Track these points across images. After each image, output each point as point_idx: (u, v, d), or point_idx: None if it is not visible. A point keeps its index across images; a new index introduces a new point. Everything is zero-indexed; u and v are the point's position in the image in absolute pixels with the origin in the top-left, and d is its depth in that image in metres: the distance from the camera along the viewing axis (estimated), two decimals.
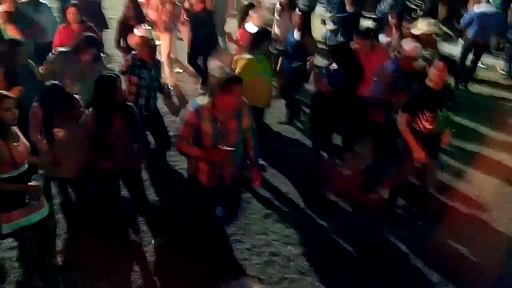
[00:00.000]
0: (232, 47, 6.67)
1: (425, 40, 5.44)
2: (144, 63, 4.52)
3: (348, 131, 5.49)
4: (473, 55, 7.72)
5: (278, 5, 6.85)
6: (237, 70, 4.70)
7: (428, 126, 4.08)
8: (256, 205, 4.60)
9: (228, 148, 3.35)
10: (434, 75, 4.00)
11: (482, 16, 7.35)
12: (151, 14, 6.65)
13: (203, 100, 3.39)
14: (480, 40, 7.49)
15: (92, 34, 4.67)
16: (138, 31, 4.67)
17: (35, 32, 5.73)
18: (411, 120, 4.13)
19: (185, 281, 3.73)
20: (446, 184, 5.09)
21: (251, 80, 4.48)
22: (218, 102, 3.33)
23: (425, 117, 4.06)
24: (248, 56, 4.78)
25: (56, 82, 3.84)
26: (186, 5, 6.69)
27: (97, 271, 3.75)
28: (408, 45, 4.64)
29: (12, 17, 5.71)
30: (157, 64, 4.74)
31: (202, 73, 6.96)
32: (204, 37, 6.62)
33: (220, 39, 7.32)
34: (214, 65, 6.64)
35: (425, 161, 4.12)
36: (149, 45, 4.56)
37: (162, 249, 4.03)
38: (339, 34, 7.35)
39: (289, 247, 4.14)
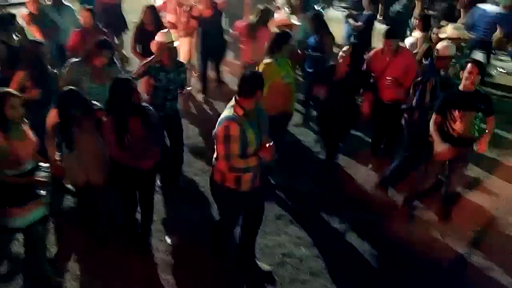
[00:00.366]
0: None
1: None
2: (162, 65, 4.54)
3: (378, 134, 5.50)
4: (483, 56, 7.72)
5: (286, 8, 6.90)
6: None
7: (457, 127, 4.13)
8: (269, 206, 4.58)
9: (271, 144, 3.37)
10: (465, 77, 4.07)
11: (483, 14, 7.45)
12: (169, 17, 6.66)
13: (230, 110, 3.32)
14: (483, 38, 7.49)
15: (104, 37, 4.63)
16: (157, 36, 4.68)
17: (56, 33, 5.89)
18: (441, 121, 4.19)
19: (197, 281, 3.78)
20: (463, 189, 5.04)
21: (273, 85, 4.45)
22: (245, 103, 3.31)
23: (454, 118, 4.12)
24: (267, 60, 4.68)
25: (73, 87, 3.77)
26: (196, 12, 6.60)
27: (106, 269, 3.83)
28: (441, 45, 4.80)
29: (36, 18, 5.87)
30: (178, 67, 4.69)
31: (205, 81, 7.00)
32: (214, 43, 6.61)
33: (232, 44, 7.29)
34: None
35: (446, 159, 4.17)
36: (168, 48, 4.54)
37: (174, 249, 4.10)
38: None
39: (301, 249, 4.17)
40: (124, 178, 3.76)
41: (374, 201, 4.78)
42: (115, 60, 4.82)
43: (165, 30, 4.81)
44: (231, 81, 7.09)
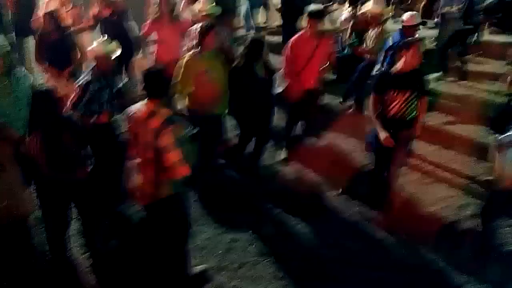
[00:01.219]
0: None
1: (371, 18, 5.75)
2: (97, 76, 4.22)
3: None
4: None
5: None
6: (175, 74, 4.31)
7: (394, 109, 4.01)
8: (210, 195, 4.64)
9: None
10: (407, 59, 3.96)
11: None
12: (69, 21, 6.09)
13: (160, 113, 3.17)
14: None
15: None
16: (92, 46, 4.34)
17: None
18: (379, 102, 4.08)
19: (147, 278, 3.73)
20: None
21: (197, 81, 4.25)
22: (161, 101, 3.24)
23: (393, 100, 3.99)
24: (189, 53, 4.38)
25: None
26: (94, 11, 6.20)
27: None
28: (406, 15, 5.11)
29: None
30: (116, 75, 4.45)
31: None
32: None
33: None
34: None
35: (390, 145, 4.03)
36: (101, 58, 4.19)
37: (120, 251, 4.02)
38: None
39: (248, 232, 4.23)
40: (56, 194, 3.52)
41: (305, 181, 4.94)
42: (19, 70, 4.23)
43: (103, 39, 4.39)
44: None
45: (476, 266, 3.87)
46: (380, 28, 5.72)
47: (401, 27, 5.28)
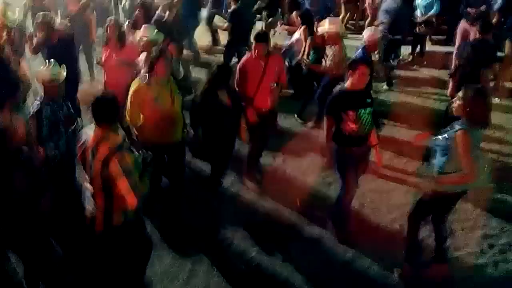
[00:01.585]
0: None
1: (329, 38, 5.81)
2: (47, 102, 4.10)
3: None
4: None
5: None
6: (124, 101, 4.18)
7: (353, 127, 4.03)
8: (168, 221, 4.55)
9: None
10: (357, 79, 4.01)
11: None
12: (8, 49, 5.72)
13: (111, 140, 3.13)
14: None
15: None
16: (38, 71, 4.23)
17: None
18: (335, 124, 4.09)
19: None
20: None
21: (147, 109, 4.12)
22: (114, 127, 3.24)
23: (349, 118, 4.00)
24: (135, 80, 4.25)
25: None
26: (38, 35, 5.92)
27: None
28: (367, 32, 5.27)
29: None
30: (61, 101, 4.26)
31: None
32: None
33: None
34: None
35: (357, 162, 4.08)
36: (48, 83, 4.09)
37: (76, 282, 3.89)
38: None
39: (210, 257, 4.17)
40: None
41: (265, 203, 4.94)
42: None
43: (49, 64, 4.24)
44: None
45: (433, 270, 3.96)
46: (338, 45, 5.76)
47: (363, 44, 5.41)
